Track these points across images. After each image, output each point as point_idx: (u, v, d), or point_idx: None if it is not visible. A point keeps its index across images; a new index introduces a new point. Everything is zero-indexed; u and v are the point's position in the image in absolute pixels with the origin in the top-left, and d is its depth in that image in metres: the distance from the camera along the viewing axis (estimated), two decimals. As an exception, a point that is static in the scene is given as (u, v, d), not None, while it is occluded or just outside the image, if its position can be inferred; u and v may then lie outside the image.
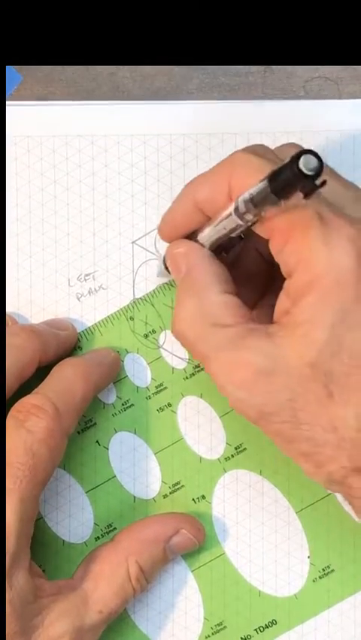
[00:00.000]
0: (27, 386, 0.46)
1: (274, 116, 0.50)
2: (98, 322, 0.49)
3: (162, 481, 0.49)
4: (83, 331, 0.49)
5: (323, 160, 0.37)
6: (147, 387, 0.49)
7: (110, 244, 0.50)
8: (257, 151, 0.43)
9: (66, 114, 0.49)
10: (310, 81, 0.50)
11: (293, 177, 0.37)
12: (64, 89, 0.50)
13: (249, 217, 0.41)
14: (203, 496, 0.49)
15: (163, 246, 0.48)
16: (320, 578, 0.49)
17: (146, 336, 0.49)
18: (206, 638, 0.49)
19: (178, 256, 0.45)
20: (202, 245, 0.45)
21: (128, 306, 0.49)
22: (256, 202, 0.39)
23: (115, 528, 0.49)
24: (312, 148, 0.37)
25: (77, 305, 0.50)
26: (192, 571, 0.49)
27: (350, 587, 0.49)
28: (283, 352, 0.40)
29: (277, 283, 0.42)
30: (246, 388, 0.41)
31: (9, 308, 0.49)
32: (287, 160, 0.37)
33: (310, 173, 0.36)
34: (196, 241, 0.45)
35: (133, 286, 0.50)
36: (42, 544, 0.49)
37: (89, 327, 0.49)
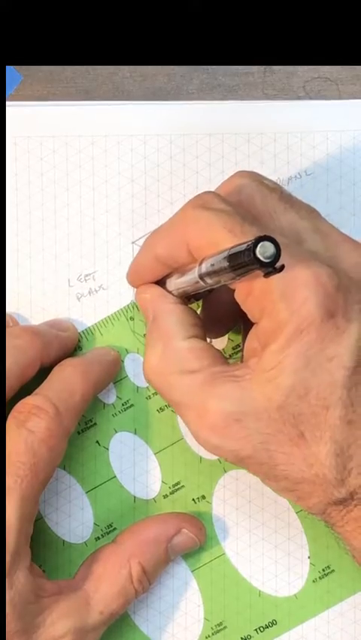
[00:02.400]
0: (28, 387, 0.46)
1: (274, 116, 0.50)
2: (99, 322, 0.49)
3: (163, 482, 0.49)
4: (83, 331, 0.49)
5: (279, 247, 0.37)
6: (147, 388, 0.49)
7: (110, 244, 0.50)
8: (206, 203, 0.43)
9: (66, 114, 0.49)
10: (310, 81, 0.50)
11: (251, 263, 0.37)
12: (64, 89, 0.50)
13: (210, 282, 0.42)
14: (203, 497, 0.49)
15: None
16: (320, 578, 0.49)
17: (146, 335, 0.49)
18: (206, 638, 0.49)
19: (144, 302, 0.46)
20: (170, 291, 0.46)
21: (128, 306, 0.49)
22: (216, 272, 0.40)
23: (115, 528, 0.49)
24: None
25: (77, 305, 0.50)
26: (192, 571, 0.49)
27: (350, 587, 0.49)
28: (251, 396, 0.41)
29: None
30: (218, 434, 0.42)
31: (9, 308, 0.49)
32: (244, 246, 0.37)
33: (267, 260, 0.37)
34: (164, 287, 0.46)
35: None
36: (42, 544, 0.49)
37: (89, 327, 0.49)
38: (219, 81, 0.50)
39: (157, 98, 0.50)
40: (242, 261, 0.38)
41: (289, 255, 0.40)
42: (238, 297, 0.42)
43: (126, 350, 0.49)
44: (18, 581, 0.43)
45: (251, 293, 0.41)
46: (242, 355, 0.45)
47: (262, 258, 0.37)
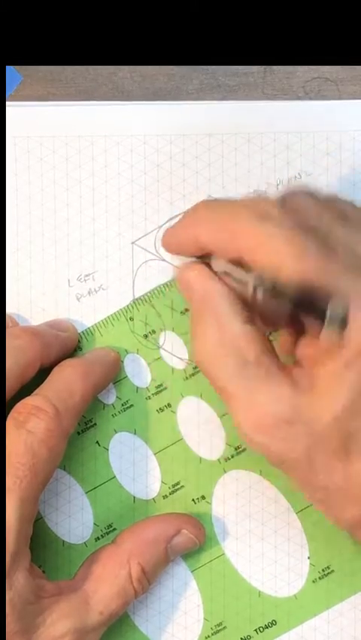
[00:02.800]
0: (28, 387, 0.46)
1: (274, 116, 0.50)
2: (98, 323, 0.49)
3: (162, 482, 0.49)
4: (82, 332, 0.49)
5: None
6: (146, 388, 0.49)
7: (110, 244, 0.50)
8: (265, 213, 0.42)
9: (66, 114, 0.49)
10: (310, 81, 0.50)
11: (316, 314, 0.38)
12: (64, 89, 0.50)
13: (260, 297, 0.41)
14: (203, 497, 0.49)
15: (166, 252, 0.49)
16: (319, 578, 0.49)
17: (145, 336, 0.49)
18: (206, 638, 0.49)
19: (190, 279, 0.44)
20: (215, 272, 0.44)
21: (128, 306, 0.49)
22: (274, 297, 0.40)
23: (115, 529, 0.49)
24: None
25: (77, 305, 0.50)
26: (192, 571, 0.49)
27: (350, 587, 0.49)
28: (307, 403, 0.40)
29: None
30: (265, 433, 0.41)
31: (9, 308, 0.49)
32: (320, 303, 0.39)
33: (332, 318, 0.38)
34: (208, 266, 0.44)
35: (133, 287, 0.50)
36: (42, 544, 0.49)
37: (88, 328, 0.49)
38: (219, 81, 0.50)
39: (157, 98, 0.50)
40: (308, 308, 0.38)
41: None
42: None
43: (126, 350, 0.49)
44: (18, 582, 0.43)
45: None
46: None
47: (329, 316, 0.38)
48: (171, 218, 0.50)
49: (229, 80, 0.50)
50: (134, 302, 0.49)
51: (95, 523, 0.49)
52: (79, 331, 0.49)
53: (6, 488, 0.43)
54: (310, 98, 0.50)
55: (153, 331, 0.49)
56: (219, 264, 0.44)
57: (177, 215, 0.50)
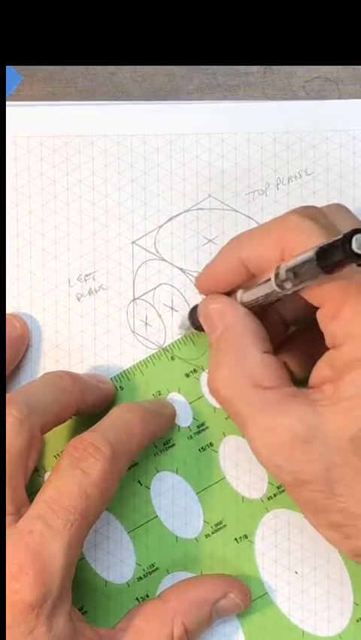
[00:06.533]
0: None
1: (274, 116, 0.50)
2: (139, 362, 0.49)
3: (205, 521, 0.49)
4: (123, 371, 0.49)
5: None
6: (188, 427, 0.49)
7: (110, 244, 0.50)
8: (311, 214, 0.42)
9: (66, 114, 0.49)
10: (310, 81, 0.50)
11: (346, 257, 0.37)
12: (64, 89, 0.50)
13: (288, 286, 0.41)
14: (245, 536, 0.49)
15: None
16: None
17: (187, 375, 0.49)
18: None
19: (214, 312, 0.44)
20: (239, 302, 0.44)
21: (169, 345, 0.49)
22: (299, 273, 0.39)
23: (157, 568, 0.48)
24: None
25: (77, 305, 0.50)
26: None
27: None
28: (324, 422, 0.40)
29: (294, 344, 0.43)
30: (282, 454, 0.41)
31: (9, 308, 0.49)
32: (338, 239, 0.37)
33: None
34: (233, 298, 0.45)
35: (133, 286, 0.50)
36: (84, 584, 0.48)
37: (130, 367, 0.49)
38: (219, 81, 0.50)
39: (157, 98, 0.50)
40: (335, 258, 0.37)
41: None
42: (322, 317, 0.41)
43: (167, 389, 0.49)
44: (57, 626, 0.42)
45: (339, 315, 0.40)
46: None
47: (358, 251, 0.36)
48: (171, 218, 0.50)
49: (229, 79, 0.50)
50: (175, 341, 0.49)
51: (137, 563, 0.49)
52: (111, 376, 0.49)
53: (55, 531, 0.42)
54: (310, 98, 0.50)
55: (195, 370, 0.49)
56: (239, 296, 0.44)
57: (177, 215, 0.50)
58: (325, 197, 0.49)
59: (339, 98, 0.50)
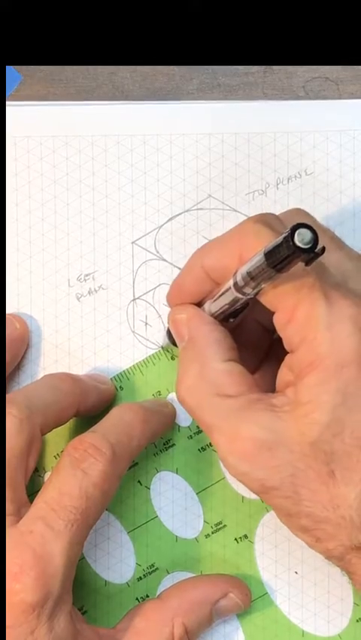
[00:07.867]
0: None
1: (274, 116, 0.50)
2: (139, 362, 0.49)
3: (205, 521, 0.49)
4: (123, 371, 0.49)
5: (316, 229, 0.37)
6: (188, 427, 0.49)
7: (110, 244, 0.50)
8: (266, 220, 0.42)
9: (66, 114, 0.49)
10: (310, 81, 0.50)
11: (291, 252, 0.37)
12: (64, 89, 0.50)
13: (248, 290, 0.41)
14: (245, 536, 0.49)
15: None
16: None
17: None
18: None
19: (180, 322, 0.45)
20: (206, 312, 0.45)
21: (169, 346, 0.49)
22: (254, 276, 0.40)
23: (157, 568, 0.48)
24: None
25: (77, 305, 0.50)
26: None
27: None
28: (286, 428, 0.40)
29: (279, 350, 0.42)
30: (248, 461, 0.41)
31: (9, 308, 0.49)
32: (283, 235, 0.37)
33: (306, 246, 0.37)
34: (202, 308, 0.45)
35: (133, 286, 0.50)
36: (84, 584, 0.48)
37: (129, 367, 0.49)
38: (219, 81, 0.50)
39: (157, 98, 0.50)
40: (281, 254, 0.37)
41: (338, 292, 0.40)
42: (278, 321, 0.41)
43: (167, 389, 0.49)
44: (58, 626, 0.42)
45: (293, 319, 0.40)
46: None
47: (301, 245, 0.36)
48: (171, 218, 0.50)
49: (229, 79, 0.50)
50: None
51: (137, 563, 0.49)
52: (111, 376, 0.49)
53: (56, 531, 0.42)
54: (310, 98, 0.50)
55: None
56: (206, 306, 0.45)
57: (177, 215, 0.50)
58: (325, 197, 0.49)
59: (339, 98, 0.50)
